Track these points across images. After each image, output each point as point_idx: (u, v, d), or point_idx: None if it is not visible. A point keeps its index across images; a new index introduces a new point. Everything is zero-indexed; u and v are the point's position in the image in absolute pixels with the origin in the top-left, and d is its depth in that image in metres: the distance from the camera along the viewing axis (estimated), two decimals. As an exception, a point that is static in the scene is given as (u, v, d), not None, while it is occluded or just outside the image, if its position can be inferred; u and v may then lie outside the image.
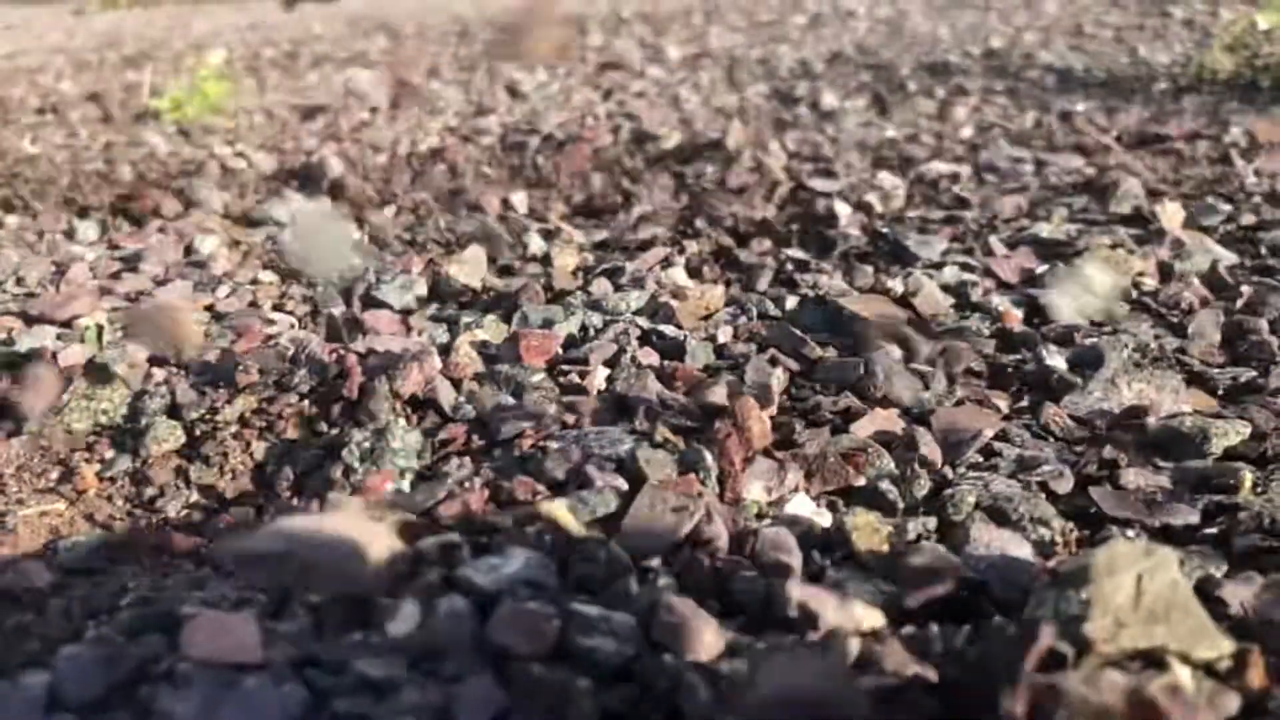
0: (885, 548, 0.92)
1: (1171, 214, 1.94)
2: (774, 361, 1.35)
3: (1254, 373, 1.32)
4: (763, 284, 1.72)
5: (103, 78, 4.77)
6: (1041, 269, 1.71)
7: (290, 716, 0.68)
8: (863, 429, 1.17)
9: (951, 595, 0.83)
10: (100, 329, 1.51)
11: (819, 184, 2.35)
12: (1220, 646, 0.69)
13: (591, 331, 1.50)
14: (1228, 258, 1.76)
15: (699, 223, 2.13)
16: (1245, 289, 1.58)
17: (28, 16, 8.82)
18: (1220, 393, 1.29)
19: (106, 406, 1.28)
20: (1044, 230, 1.93)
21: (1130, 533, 0.96)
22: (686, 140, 2.89)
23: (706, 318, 1.57)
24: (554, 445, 1.10)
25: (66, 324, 1.58)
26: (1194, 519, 0.98)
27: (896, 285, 1.61)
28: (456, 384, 1.29)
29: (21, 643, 0.85)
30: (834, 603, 0.78)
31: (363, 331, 1.55)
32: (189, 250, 2.02)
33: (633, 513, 0.94)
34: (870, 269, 1.75)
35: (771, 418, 1.17)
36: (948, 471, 1.10)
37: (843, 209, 2.13)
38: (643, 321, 1.50)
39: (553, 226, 2.13)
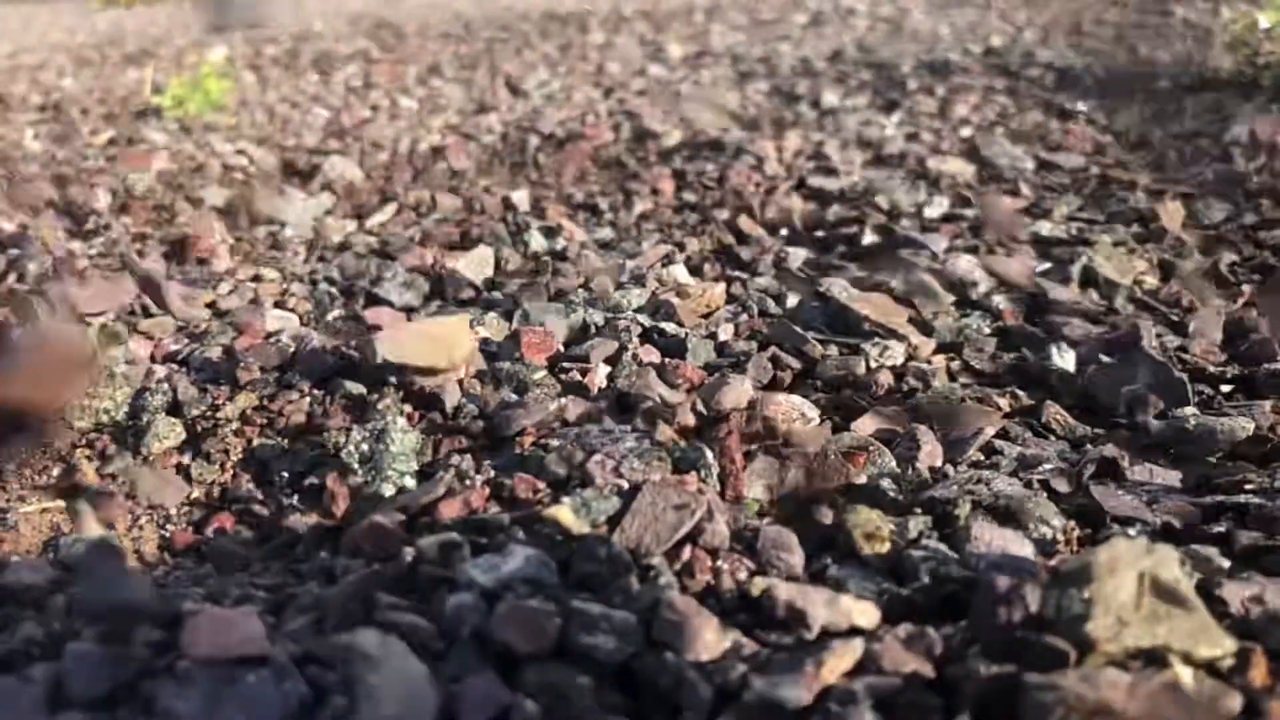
0: (886, 547, 0.92)
1: (1172, 213, 1.93)
2: (775, 359, 1.35)
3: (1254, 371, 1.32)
4: (763, 281, 1.72)
5: (104, 75, 4.77)
6: (1042, 267, 1.71)
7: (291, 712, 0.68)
8: (864, 427, 1.17)
9: (951, 595, 0.83)
10: (104, 328, 1.51)
11: (819, 182, 2.35)
12: (1222, 645, 0.68)
13: (592, 329, 1.50)
14: (1228, 256, 1.75)
15: (700, 220, 2.12)
16: (1246, 288, 1.57)
17: (27, 16, 8.82)
18: (1221, 391, 1.29)
19: (108, 405, 1.28)
20: (1044, 228, 1.93)
21: (1132, 531, 0.96)
22: (687, 138, 2.89)
23: (707, 315, 1.57)
24: (555, 443, 1.10)
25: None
26: (1196, 517, 0.98)
27: (897, 283, 1.61)
28: (458, 381, 1.29)
29: (24, 640, 0.85)
30: (823, 600, 0.78)
31: (364, 329, 1.55)
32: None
33: (634, 511, 0.94)
34: (871, 267, 1.75)
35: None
36: (949, 470, 1.09)
37: (843, 207, 2.12)
38: (644, 319, 1.50)
39: (554, 224, 2.13)
